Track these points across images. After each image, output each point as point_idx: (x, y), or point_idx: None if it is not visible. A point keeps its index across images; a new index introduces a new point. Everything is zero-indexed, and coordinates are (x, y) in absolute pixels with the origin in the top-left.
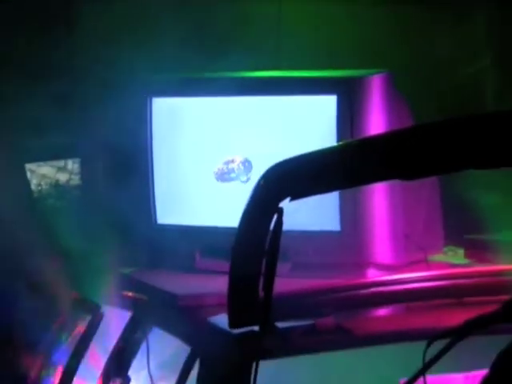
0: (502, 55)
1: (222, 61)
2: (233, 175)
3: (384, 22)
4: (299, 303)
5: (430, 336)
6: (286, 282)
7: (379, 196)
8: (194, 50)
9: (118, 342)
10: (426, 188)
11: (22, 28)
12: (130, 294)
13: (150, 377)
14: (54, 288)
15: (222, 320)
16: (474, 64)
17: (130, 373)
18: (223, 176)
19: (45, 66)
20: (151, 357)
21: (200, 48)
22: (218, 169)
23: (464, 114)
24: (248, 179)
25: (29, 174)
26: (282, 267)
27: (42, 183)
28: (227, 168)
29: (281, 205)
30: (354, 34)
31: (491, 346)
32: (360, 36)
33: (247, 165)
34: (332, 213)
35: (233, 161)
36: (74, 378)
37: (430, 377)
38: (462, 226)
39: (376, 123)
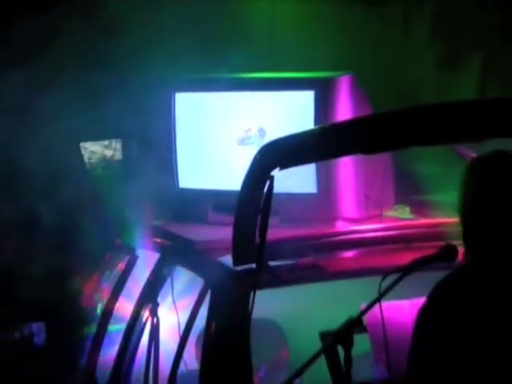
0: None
1: (227, 63)
2: (251, 140)
3: (356, 35)
4: (285, 247)
5: (385, 272)
6: (275, 232)
7: (346, 166)
8: (204, 55)
9: (149, 276)
10: (382, 160)
11: (85, 35)
12: (159, 240)
13: (174, 303)
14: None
15: (227, 260)
16: (421, 65)
17: (159, 299)
18: (243, 141)
19: (99, 69)
20: (174, 287)
21: (210, 53)
22: (239, 136)
23: (408, 105)
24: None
25: (83, 150)
26: (272, 221)
27: (93, 157)
28: (246, 135)
29: (272, 173)
30: (332, 41)
31: (431, 279)
32: (336, 43)
33: (262, 132)
34: (310, 179)
35: (250, 129)
36: (117, 302)
37: (384, 303)
38: (409, 189)
39: (343, 112)
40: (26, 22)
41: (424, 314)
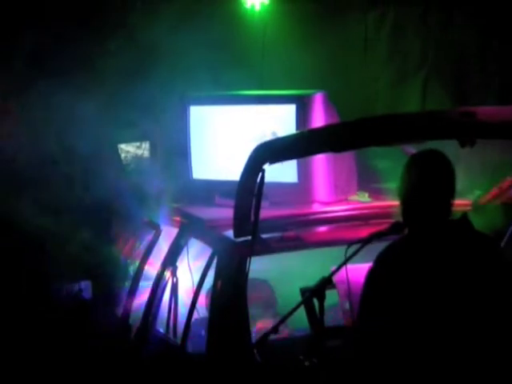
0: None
1: (228, 83)
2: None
3: (327, 60)
4: (274, 224)
5: (349, 242)
6: (266, 212)
7: (320, 162)
8: (212, 77)
9: (170, 246)
10: (347, 157)
11: (125, 57)
12: (178, 218)
13: (189, 266)
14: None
15: (230, 233)
16: (377, 83)
17: (177, 263)
18: (241, 141)
19: (133, 86)
20: (189, 254)
21: (215, 76)
22: (238, 138)
23: (367, 115)
24: None
25: (120, 150)
26: (264, 203)
27: (127, 156)
28: (243, 137)
29: (263, 167)
30: (309, 64)
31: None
32: (312, 66)
33: (255, 136)
34: (293, 172)
35: (246, 133)
36: (146, 265)
37: (349, 266)
38: (367, 179)
39: (317, 120)
40: (78, 45)
41: (370, 271)
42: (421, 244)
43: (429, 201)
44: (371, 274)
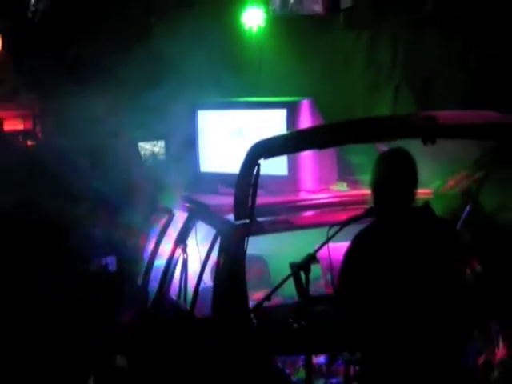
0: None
1: (230, 90)
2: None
3: (312, 70)
4: (267, 209)
5: (331, 224)
6: (261, 199)
7: (306, 157)
8: (216, 86)
9: (181, 228)
10: (329, 153)
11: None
12: (187, 204)
13: (197, 244)
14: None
15: (230, 217)
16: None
17: (187, 242)
18: (241, 141)
19: (151, 91)
20: (197, 235)
21: (219, 84)
22: (238, 138)
23: (346, 118)
24: None
25: (140, 148)
26: (259, 192)
27: (146, 152)
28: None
29: (259, 161)
30: (297, 74)
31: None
32: (300, 75)
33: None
34: (283, 165)
35: (245, 133)
36: (161, 244)
37: (330, 244)
38: (346, 172)
39: (304, 123)
40: (106, 57)
41: (348, 250)
42: (389, 227)
43: (395, 191)
44: (349, 252)
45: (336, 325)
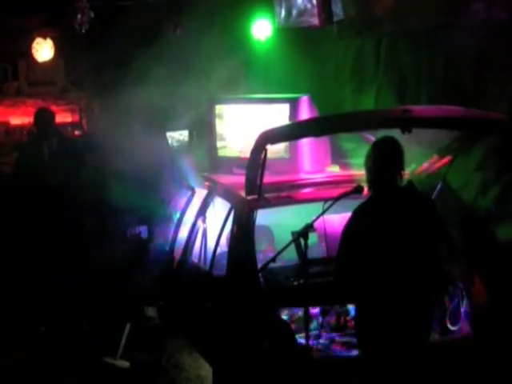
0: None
1: (241, 87)
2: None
3: (310, 72)
4: (273, 187)
5: (325, 199)
6: (268, 179)
7: (305, 143)
8: (228, 83)
9: (201, 202)
10: (324, 140)
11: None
12: (207, 182)
13: (215, 216)
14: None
15: (242, 193)
16: (344, 90)
17: (206, 214)
18: (248, 130)
19: (176, 89)
20: (215, 208)
21: (231, 82)
22: (247, 127)
23: (336, 112)
24: None
25: (168, 137)
26: (266, 173)
27: (173, 141)
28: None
29: (266, 147)
30: (297, 74)
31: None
32: (300, 75)
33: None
34: (285, 149)
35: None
36: (184, 216)
37: (325, 216)
38: (338, 156)
39: (303, 115)
40: (143, 60)
41: (348, 222)
42: (382, 200)
43: (388, 171)
44: (348, 223)
45: (337, 283)
